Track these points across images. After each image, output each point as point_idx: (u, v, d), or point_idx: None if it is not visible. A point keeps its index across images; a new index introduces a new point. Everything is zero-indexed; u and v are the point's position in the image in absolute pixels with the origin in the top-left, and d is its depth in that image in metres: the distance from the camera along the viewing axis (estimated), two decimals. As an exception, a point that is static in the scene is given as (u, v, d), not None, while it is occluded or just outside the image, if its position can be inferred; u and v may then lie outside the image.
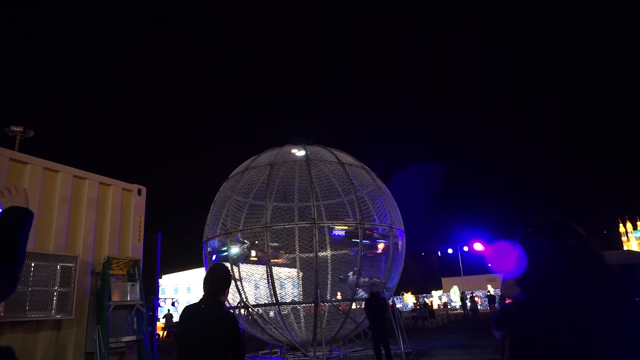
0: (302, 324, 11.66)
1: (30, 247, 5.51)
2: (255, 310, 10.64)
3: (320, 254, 11.30)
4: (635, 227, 65.89)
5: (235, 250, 10.84)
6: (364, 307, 9.22)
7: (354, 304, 10.79)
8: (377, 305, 8.81)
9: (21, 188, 1.76)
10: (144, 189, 7.69)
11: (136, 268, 7.00)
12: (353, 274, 11.02)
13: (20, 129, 14.36)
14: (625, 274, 1.35)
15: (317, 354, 10.42)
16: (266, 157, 11.83)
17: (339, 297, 11.73)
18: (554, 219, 1.48)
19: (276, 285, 10.37)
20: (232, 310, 10.23)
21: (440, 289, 50.85)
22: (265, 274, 10.58)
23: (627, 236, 65.49)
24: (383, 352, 8.61)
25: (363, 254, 10.60)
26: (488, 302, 32.43)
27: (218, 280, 2.92)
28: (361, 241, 10.55)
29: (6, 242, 1.53)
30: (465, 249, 39.09)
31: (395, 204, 11.96)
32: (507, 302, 1.62)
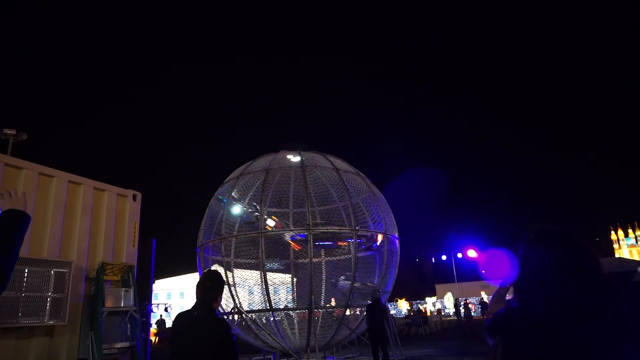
0: (296, 330, 11.64)
1: (24, 252, 5.49)
2: (249, 316, 10.62)
3: (315, 259, 11.32)
4: (626, 234, 66.42)
5: (237, 211, 10.88)
6: (366, 311, 9.39)
7: (348, 311, 10.81)
8: (378, 311, 9.11)
9: (21, 192, 1.81)
10: (139, 195, 7.69)
11: (130, 274, 6.98)
12: (346, 279, 11.05)
13: (13, 132, 14.30)
14: (618, 282, 1.36)
15: (311, 360, 10.39)
16: (261, 162, 11.85)
17: (333, 303, 11.73)
18: (554, 227, 1.47)
19: (270, 291, 10.35)
20: (225, 316, 10.21)
21: (434, 296, 50.93)
22: (259, 280, 10.56)
23: (619, 243, 65.97)
24: (381, 357, 8.70)
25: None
26: (481, 309, 32.53)
27: (211, 287, 2.92)
28: (355, 247, 10.58)
29: (1, 239, 1.58)
30: (459, 255, 39.18)
31: (390, 210, 12.01)
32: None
